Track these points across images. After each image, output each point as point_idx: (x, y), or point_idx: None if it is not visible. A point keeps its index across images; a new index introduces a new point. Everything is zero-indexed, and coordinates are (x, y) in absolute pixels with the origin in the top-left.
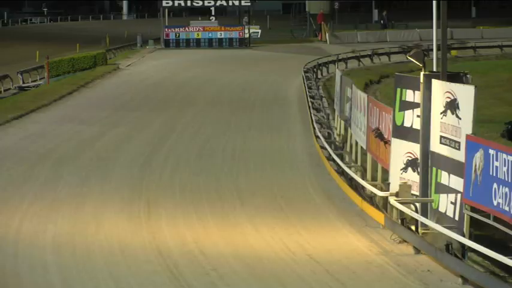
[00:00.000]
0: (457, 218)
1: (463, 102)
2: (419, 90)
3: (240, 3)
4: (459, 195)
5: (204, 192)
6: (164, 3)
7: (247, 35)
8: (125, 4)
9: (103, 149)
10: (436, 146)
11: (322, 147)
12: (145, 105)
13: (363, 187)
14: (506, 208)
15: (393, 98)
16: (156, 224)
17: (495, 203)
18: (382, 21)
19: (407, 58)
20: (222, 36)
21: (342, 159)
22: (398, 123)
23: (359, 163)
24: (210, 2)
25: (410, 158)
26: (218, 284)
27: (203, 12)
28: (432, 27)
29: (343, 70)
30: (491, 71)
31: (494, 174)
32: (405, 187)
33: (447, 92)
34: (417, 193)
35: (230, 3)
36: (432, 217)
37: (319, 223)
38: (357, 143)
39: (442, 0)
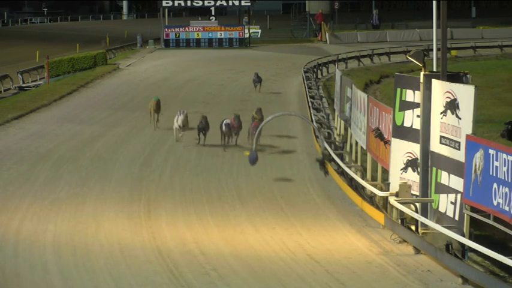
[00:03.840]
0: (457, 218)
1: (463, 102)
2: (419, 90)
3: (240, 3)
4: (459, 195)
5: (204, 192)
6: (164, 3)
7: (247, 35)
8: (124, 4)
9: (103, 149)
10: (436, 146)
11: None
12: (146, 105)
13: (363, 187)
14: (506, 208)
15: (393, 98)
16: (156, 224)
17: (495, 203)
18: (372, 21)
19: (407, 58)
20: (222, 36)
21: (342, 159)
22: (398, 123)
23: (359, 163)
24: (210, 2)
25: (410, 158)
26: (218, 284)
27: (203, 12)
28: (432, 27)
29: (343, 70)
30: (491, 71)
31: (494, 174)
32: (405, 187)
33: (447, 92)
34: (417, 193)
35: (230, 3)
36: (432, 217)
37: (319, 223)
38: (357, 143)
39: (442, 0)
